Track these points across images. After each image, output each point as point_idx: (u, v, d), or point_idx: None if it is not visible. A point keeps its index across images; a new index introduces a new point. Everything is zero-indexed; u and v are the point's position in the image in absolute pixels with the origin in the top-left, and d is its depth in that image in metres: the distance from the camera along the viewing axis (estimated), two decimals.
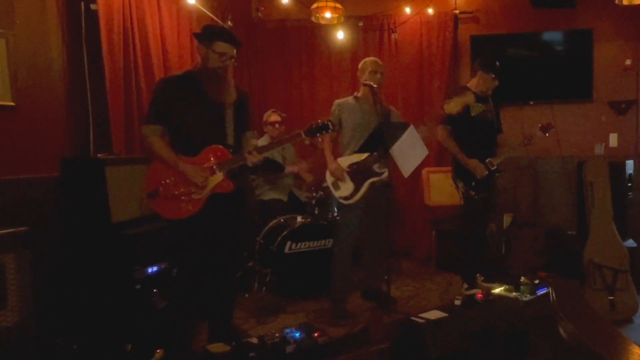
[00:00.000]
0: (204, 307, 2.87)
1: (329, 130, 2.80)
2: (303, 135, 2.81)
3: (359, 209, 3.46)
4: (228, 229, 2.83)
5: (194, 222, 2.70)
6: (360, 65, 3.57)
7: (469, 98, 3.36)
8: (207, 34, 2.72)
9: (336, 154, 3.56)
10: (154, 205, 2.70)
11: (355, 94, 3.61)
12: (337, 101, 3.61)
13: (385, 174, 3.43)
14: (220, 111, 2.76)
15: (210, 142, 2.72)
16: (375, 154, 3.42)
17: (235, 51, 2.73)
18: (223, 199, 2.73)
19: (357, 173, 3.43)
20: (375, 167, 3.44)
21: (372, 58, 3.62)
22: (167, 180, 2.69)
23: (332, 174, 3.47)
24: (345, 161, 3.48)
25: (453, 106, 3.33)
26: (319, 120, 2.82)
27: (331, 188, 3.50)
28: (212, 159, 2.71)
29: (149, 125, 2.73)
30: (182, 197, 2.68)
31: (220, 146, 2.73)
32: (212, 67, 2.69)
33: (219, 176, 2.70)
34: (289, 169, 4.38)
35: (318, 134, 2.81)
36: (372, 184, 3.43)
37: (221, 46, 2.70)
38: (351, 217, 3.48)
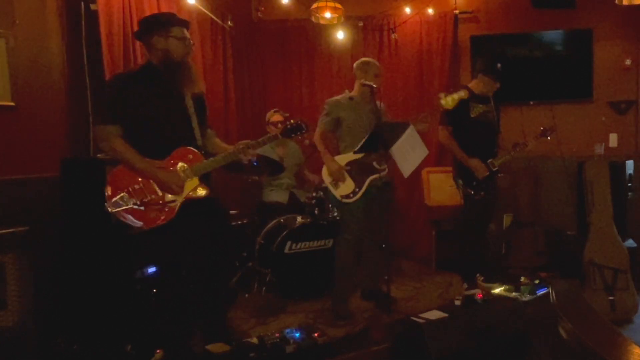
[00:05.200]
0: (197, 310, 2.82)
1: (303, 131, 2.80)
2: (280, 137, 2.80)
3: (359, 208, 3.44)
4: (209, 232, 2.66)
5: (170, 228, 2.51)
6: (360, 65, 3.51)
7: (464, 94, 3.37)
8: (161, 23, 2.55)
9: (333, 152, 3.53)
10: (119, 214, 2.47)
11: (349, 93, 3.57)
12: (330, 100, 3.56)
13: (385, 171, 3.43)
14: (184, 108, 2.59)
15: (178, 143, 2.56)
16: (374, 152, 3.41)
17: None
18: (197, 203, 2.59)
19: (357, 171, 3.42)
20: (375, 164, 3.43)
21: (374, 60, 3.59)
22: (135, 186, 2.47)
23: (331, 174, 3.43)
24: (343, 159, 3.45)
25: (449, 100, 3.31)
26: (292, 121, 2.80)
27: (330, 187, 3.46)
28: (184, 162, 2.54)
29: (107, 125, 2.50)
30: (154, 205, 2.48)
31: (191, 148, 2.58)
32: (179, 56, 2.54)
33: (194, 181, 2.56)
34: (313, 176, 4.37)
35: (293, 135, 2.80)
36: (373, 181, 3.42)
37: (179, 31, 2.54)
38: (352, 217, 3.46)
